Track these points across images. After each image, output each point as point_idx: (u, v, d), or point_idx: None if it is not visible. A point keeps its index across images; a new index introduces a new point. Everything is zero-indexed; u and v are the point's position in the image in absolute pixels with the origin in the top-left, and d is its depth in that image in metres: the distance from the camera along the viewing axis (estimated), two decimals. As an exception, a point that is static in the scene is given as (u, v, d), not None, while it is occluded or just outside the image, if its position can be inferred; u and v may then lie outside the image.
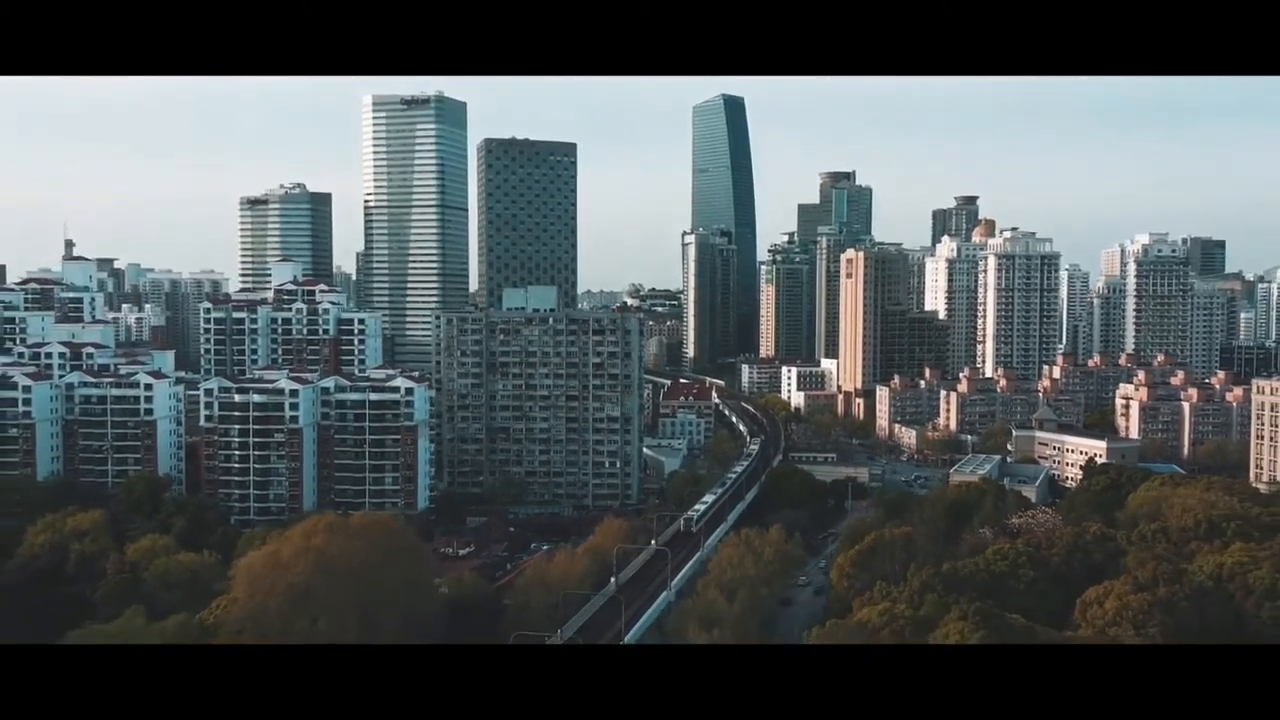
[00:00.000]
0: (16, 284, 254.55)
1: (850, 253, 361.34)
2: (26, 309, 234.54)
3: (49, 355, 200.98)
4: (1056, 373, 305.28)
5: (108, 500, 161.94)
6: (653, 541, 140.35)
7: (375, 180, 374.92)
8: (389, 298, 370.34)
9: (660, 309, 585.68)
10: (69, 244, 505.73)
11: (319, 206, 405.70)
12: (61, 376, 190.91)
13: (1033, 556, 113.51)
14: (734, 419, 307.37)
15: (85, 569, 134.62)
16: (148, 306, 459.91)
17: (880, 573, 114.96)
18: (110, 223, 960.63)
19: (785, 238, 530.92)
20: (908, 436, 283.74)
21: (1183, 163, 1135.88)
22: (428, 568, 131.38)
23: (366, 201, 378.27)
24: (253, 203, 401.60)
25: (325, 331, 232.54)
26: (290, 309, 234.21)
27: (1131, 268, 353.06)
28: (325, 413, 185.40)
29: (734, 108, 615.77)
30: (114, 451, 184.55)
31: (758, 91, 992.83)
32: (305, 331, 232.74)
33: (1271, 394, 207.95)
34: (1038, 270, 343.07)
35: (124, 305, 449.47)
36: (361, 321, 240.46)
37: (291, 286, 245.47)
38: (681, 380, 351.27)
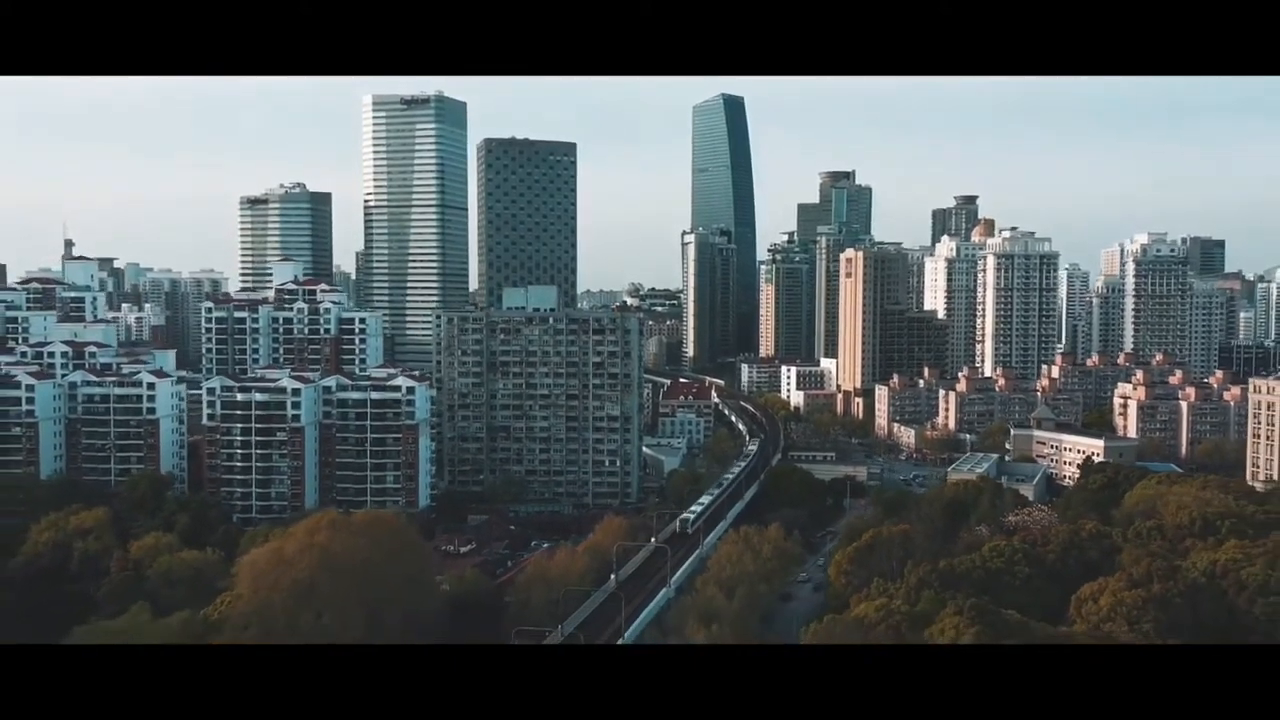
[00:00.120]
0: (18, 284, 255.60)
1: (849, 252, 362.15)
2: (28, 308, 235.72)
3: (51, 354, 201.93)
4: (1055, 372, 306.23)
5: (111, 499, 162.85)
6: (652, 539, 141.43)
7: (375, 180, 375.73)
8: (389, 297, 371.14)
9: (660, 308, 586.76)
10: (68, 243, 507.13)
11: (319, 206, 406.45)
12: (64, 376, 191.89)
13: (1029, 553, 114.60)
14: (733, 418, 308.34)
15: (89, 567, 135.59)
16: (147, 306, 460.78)
17: (878, 570, 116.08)
18: (110, 223, 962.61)
19: (785, 237, 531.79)
20: (907, 436, 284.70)
21: (1183, 162, 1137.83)
22: (429, 565, 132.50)
23: (366, 201, 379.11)
24: (253, 202, 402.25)
25: (326, 331, 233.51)
26: (291, 308, 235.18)
27: (1130, 267, 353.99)
28: (327, 411, 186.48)
29: (734, 107, 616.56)
30: (117, 450, 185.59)
31: (758, 91, 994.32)
32: (306, 331, 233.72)
33: (1268, 393, 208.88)
34: (1037, 270, 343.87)
35: (124, 305, 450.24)
36: (362, 321, 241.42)
37: (292, 286, 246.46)
38: (681, 380, 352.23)
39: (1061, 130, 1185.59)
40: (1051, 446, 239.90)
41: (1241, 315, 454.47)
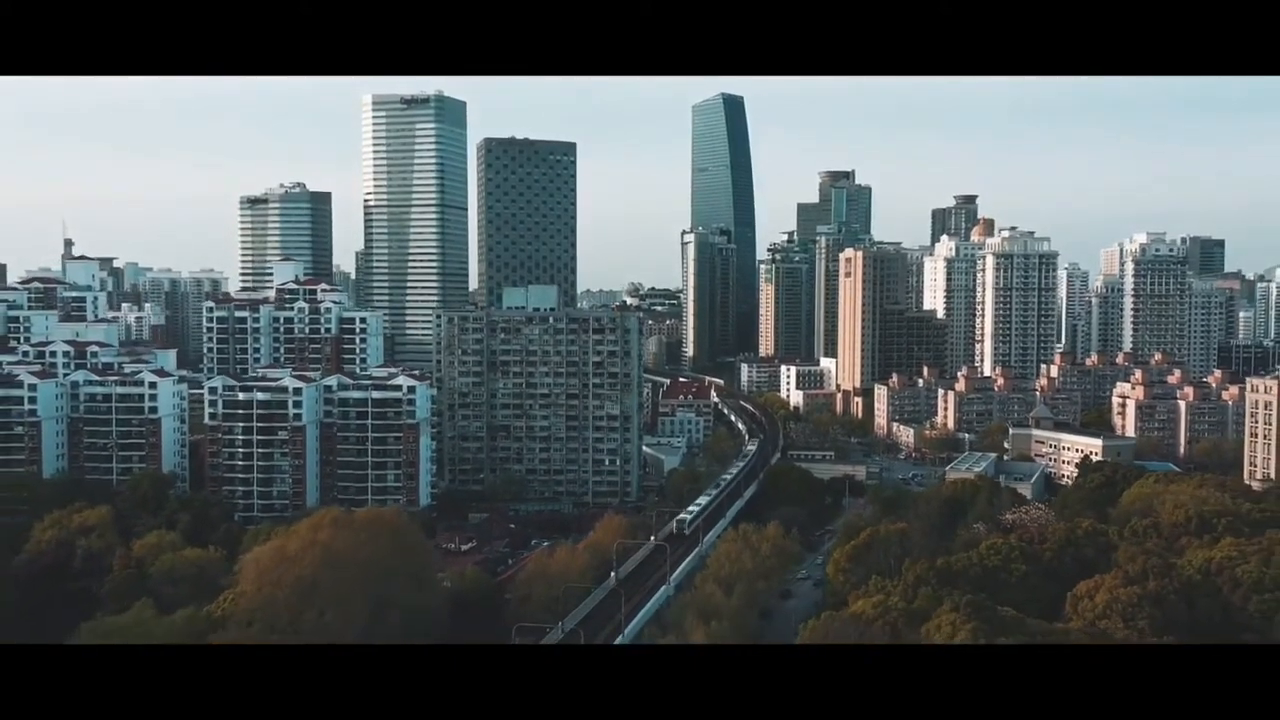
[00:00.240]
0: (19, 283, 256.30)
1: (849, 252, 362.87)
2: (30, 308, 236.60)
3: (53, 354, 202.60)
4: (1054, 372, 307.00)
5: (113, 497, 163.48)
6: (651, 537, 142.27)
7: (375, 179, 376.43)
8: (389, 297, 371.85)
9: (660, 308, 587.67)
10: (68, 243, 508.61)
11: (319, 206, 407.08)
12: (66, 375, 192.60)
13: (1025, 551, 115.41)
14: (733, 418, 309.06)
15: (91, 564, 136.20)
16: (147, 306, 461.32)
17: (876, 567, 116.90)
18: (110, 222, 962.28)
19: (785, 237, 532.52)
20: (906, 435, 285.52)
21: (1183, 162, 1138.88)
22: (431, 562, 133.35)
23: (366, 201, 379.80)
24: (253, 202, 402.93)
25: (327, 330, 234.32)
26: (292, 308, 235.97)
27: (1129, 267, 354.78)
28: (328, 411, 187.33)
29: (733, 107, 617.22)
30: (118, 449, 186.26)
31: (758, 91, 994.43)
32: (307, 330, 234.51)
33: (1265, 392, 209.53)
34: (1036, 269, 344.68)
35: (123, 305, 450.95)
36: (363, 320, 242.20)
37: (293, 286, 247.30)
38: (681, 379, 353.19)
39: (1061, 130, 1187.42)
40: (1050, 446, 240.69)
41: (1241, 315, 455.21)
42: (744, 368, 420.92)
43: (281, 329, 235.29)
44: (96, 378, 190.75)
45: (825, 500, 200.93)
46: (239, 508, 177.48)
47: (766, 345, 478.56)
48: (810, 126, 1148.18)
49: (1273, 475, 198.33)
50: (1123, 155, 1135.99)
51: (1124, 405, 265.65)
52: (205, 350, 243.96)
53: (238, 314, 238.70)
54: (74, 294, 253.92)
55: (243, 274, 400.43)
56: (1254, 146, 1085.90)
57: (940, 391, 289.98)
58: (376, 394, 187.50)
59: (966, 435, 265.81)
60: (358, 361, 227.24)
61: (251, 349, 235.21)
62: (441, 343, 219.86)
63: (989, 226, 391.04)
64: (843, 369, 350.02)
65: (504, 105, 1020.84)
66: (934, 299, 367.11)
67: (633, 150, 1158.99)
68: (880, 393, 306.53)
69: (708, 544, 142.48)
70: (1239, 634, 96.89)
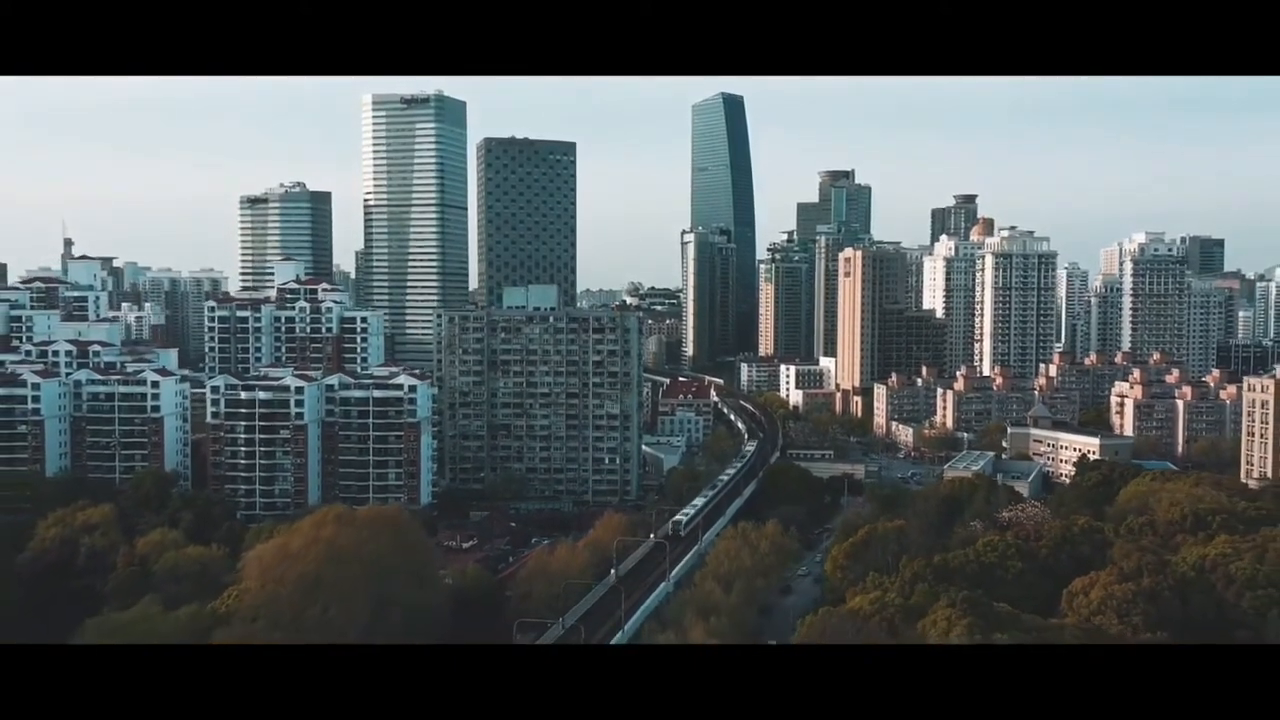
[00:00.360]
0: (21, 283, 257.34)
1: (848, 252, 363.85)
2: (32, 307, 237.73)
3: (56, 353, 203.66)
4: (1053, 371, 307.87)
5: (116, 496, 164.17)
6: (651, 535, 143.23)
7: (375, 179, 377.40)
8: (389, 296, 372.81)
9: (659, 307, 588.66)
10: (68, 243, 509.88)
11: (319, 205, 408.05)
12: (69, 374, 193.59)
13: (1021, 548, 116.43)
14: (733, 417, 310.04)
15: (95, 562, 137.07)
16: (147, 305, 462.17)
17: (873, 564, 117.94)
18: (109, 222, 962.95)
19: (784, 236, 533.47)
20: (905, 434, 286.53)
21: (1183, 162, 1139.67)
22: (432, 560, 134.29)
23: (366, 200, 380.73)
24: (253, 202, 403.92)
25: (328, 330, 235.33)
26: (293, 308, 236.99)
27: (1128, 267, 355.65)
28: (329, 410, 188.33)
29: (733, 106, 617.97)
30: (121, 448, 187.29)
31: (758, 91, 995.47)
32: (308, 330, 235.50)
33: (1262, 392, 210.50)
34: (1035, 269, 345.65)
35: (123, 304, 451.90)
36: (364, 320, 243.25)
37: (294, 285, 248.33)
38: (680, 378, 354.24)
39: (1061, 130, 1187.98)
40: (1048, 445, 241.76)
41: (1241, 314, 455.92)
42: (744, 367, 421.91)
43: (283, 328, 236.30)
44: (99, 377, 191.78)
45: (824, 499, 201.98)
46: (241, 506, 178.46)
47: (766, 345, 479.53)
48: (810, 126, 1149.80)
49: (1269, 474, 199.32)
50: (1123, 155, 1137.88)
51: (1122, 404, 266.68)
52: (207, 349, 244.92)
53: (239, 313, 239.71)
54: (76, 294, 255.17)
55: (243, 274, 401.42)
56: (1254, 146, 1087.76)
57: (939, 391, 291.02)
58: (378, 393, 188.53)
59: (965, 434, 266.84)
60: (359, 361, 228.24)
61: (253, 348, 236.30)
62: (442, 342, 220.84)
63: (988, 226, 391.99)
64: (842, 368, 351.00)
65: (504, 105, 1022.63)
66: (933, 299, 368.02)
67: (633, 150, 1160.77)
68: (879, 392, 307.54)
69: (707, 542, 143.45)
70: (1232, 630, 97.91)
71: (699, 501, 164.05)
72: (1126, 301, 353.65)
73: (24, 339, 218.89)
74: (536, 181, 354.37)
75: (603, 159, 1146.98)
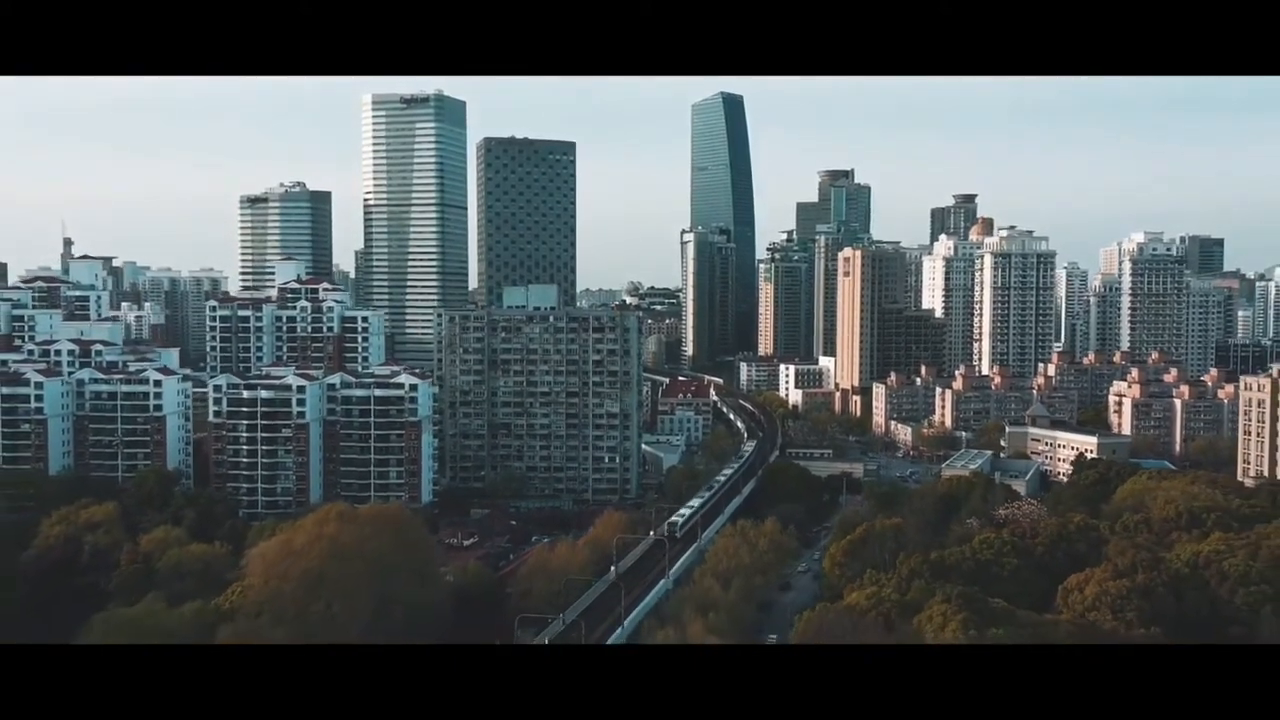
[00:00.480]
0: (23, 283, 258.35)
1: (848, 251, 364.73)
2: (34, 307, 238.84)
3: (58, 352, 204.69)
4: (1051, 370, 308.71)
5: (118, 494, 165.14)
6: (651, 533, 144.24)
7: (375, 179, 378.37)
8: (388, 296, 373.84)
9: (659, 307, 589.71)
10: (67, 242, 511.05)
11: (319, 205, 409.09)
12: (71, 373, 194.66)
13: (1017, 546, 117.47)
14: (732, 416, 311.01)
15: (99, 560, 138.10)
16: (147, 305, 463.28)
17: (871, 561, 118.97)
18: (109, 222, 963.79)
19: (784, 236, 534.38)
20: (904, 433, 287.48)
21: (1183, 161, 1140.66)
22: (433, 557, 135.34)
23: (366, 200, 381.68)
24: (253, 201, 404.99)
25: (329, 329, 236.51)
26: (294, 307, 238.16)
27: (1126, 266, 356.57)
28: (331, 409, 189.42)
29: (733, 106, 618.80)
30: (124, 446, 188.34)
31: (757, 90, 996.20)
32: (309, 329, 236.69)
33: (1259, 390, 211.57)
34: (1034, 269, 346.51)
35: (123, 304, 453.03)
36: (365, 319, 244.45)
37: (295, 285, 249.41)
38: (680, 378, 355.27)
39: (1061, 130, 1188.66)
40: (1046, 444, 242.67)
41: (1240, 314, 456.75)
42: (743, 366, 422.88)
43: (284, 328, 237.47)
44: (102, 376, 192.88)
45: (823, 497, 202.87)
46: (243, 504, 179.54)
47: (765, 344, 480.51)
48: (810, 126, 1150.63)
49: (1266, 472, 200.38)
50: (1123, 155, 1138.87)
51: (1120, 404, 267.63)
52: (208, 349, 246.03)
53: (240, 313, 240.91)
54: (77, 293, 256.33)
55: (242, 273, 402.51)
56: (1253, 146, 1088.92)
57: (938, 390, 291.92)
58: (379, 392, 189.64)
59: (964, 433, 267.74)
60: (360, 360, 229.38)
61: (254, 348, 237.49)
62: (443, 341, 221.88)
63: (988, 226, 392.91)
64: (841, 368, 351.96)
65: (504, 105, 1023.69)
66: (932, 298, 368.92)
67: (633, 150, 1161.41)
68: (878, 391, 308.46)
69: (706, 540, 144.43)
70: (1225, 626, 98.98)
71: (695, 502, 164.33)
72: (1125, 301, 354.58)
73: (26, 338, 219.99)
74: (536, 181, 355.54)
75: (603, 159, 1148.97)
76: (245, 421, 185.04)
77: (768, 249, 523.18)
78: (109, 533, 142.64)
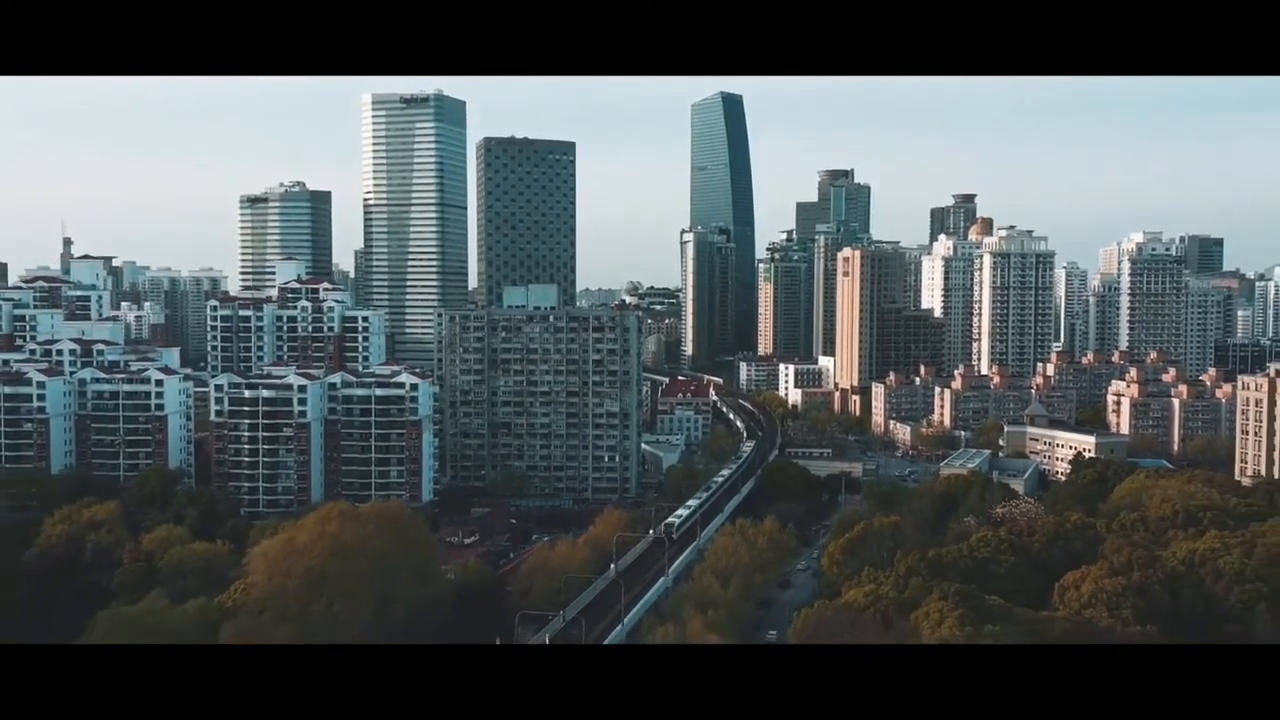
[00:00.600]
0: (24, 282, 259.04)
1: (847, 251, 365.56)
2: (35, 307, 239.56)
3: (60, 352, 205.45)
4: (1050, 370, 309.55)
5: (121, 493, 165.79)
6: (650, 531, 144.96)
7: (375, 178, 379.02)
8: (388, 296, 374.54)
9: (659, 307, 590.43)
10: (67, 242, 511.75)
11: (319, 205, 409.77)
12: (73, 373, 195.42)
13: (1014, 544, 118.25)
14: (731, 416, 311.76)
15: (101, 558, 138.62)
16: (147, 305, 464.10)
17: (869, 559, 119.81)
18: (109, 222, 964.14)
19: (784, 236, 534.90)
20: (903, 433, 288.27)
21: (1183, 162, 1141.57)
22: (434, 555, 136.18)
23: (366, 200, 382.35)
24: (253, 201, 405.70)
25: (330, 329, 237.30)
26: (295, 307, 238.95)
27: (1125, 266, 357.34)
28: (332, 408, 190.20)
29: (732, 105, 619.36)
30: (126, 446, 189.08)
31: (757, 90, 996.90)
32: (310, 329, 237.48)
33: (1256, 390, 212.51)
34: (1033, 268, 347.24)
35: (122, 303, 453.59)
36: (365, 319, 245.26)
37: (296, 285, 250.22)
38: (680, 377, 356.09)
39: (1061, 130, 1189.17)
40: (1044, 443, 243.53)
41: (1240, 313, 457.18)
42: (743, 366, 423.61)
43: (285, 328, 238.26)
44: (104, 375, 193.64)
45: (822, 496, 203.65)
46: (245, 503, 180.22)
47: (765, 344, 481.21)
48: (810, 126, 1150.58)
49: (1263, 471, 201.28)
50: (1123, 155, 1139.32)
51: (1119, 403, 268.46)
52: (209, 348, 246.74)
53: (241, 313, 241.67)
54: (78, 293, 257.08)
55: (242, 273, 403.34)
56: (1253, 146, 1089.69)
57: (937, 390, 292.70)
58: (380, 391, 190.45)
59: (963, 433, 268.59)
60: (360, 360, 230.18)
61: (255, 347, 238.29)
62: (443, 341, 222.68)
63: (987, 225, 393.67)
64: (841, 367, 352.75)
65: (504, 105, 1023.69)
66: (931, 298, 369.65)
67: (632, 150, 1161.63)
68: (878, 391, 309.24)
69: (705, 539, 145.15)
70: (1220, 624, 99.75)
71: (692, 503, 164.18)
72: (1124, 301, 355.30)
73: (28, 338, 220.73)
74: (536, 181, 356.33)
75: (603, 159, 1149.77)
76: (247, 421, 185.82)
77: (767, 249, 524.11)
78: (111, 531, 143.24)
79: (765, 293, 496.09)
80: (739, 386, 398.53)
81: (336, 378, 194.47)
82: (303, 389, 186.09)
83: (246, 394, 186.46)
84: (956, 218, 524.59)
